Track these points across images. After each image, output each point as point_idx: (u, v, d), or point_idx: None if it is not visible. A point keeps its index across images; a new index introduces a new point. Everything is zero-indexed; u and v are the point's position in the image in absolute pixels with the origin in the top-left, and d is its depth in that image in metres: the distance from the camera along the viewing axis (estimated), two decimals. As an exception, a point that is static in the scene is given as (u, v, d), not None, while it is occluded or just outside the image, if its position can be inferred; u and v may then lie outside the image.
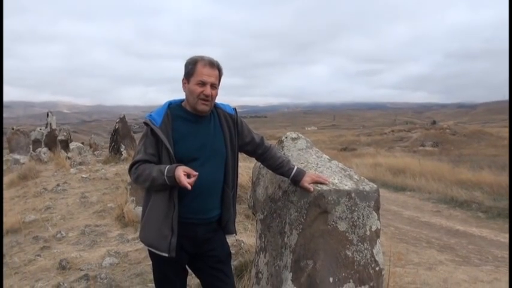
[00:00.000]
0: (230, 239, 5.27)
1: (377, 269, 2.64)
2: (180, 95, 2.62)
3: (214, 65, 2.48)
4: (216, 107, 2.62)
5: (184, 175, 2.25)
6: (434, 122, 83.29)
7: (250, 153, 2.78)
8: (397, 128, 62.71)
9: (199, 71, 2.44)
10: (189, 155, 2.43)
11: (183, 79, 2.52)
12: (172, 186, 2.36)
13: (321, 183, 2.62)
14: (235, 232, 2.78)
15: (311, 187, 2.58)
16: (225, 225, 2.69)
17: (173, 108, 2.53)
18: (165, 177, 2.30)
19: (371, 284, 2.60)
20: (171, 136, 2.44)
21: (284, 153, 3.23)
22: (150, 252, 2.58)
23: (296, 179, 2.65)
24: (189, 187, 2.23)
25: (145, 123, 2.46)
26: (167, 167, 2.32)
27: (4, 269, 4.88)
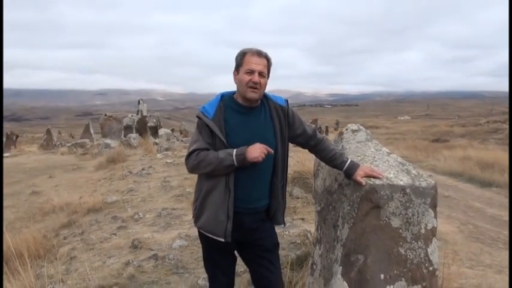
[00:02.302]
0: (298, 229, 5.28)
1: (431, 269, 2.53)
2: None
3: (262, 55, 2.52)
4: (267, 98, 2.65)
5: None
6: (533, 112, 76.05)
7: (303, 145, 2.77)
8: (493, 118, 58.39)
9: (248, 60, 2.49)
10: (239, 146, 2.47)
11: (233, 71, 2.58)
12: (229, 173, 2.46)
13: (375, 177, 2.55)
14: (283, 223, 2.79)
15: (363, 181, 2.52)
16: (273, 215, 2.72)
17: (226, 100, 2.60)
18: (234, 157, 2.39)
19: (424, 284, 2.50)
20: (224, 127, 2.51)
21: (343, 146, 3.18)
22: (202, 237, 2.69)
23: (349, 172, 2.60)
24: (260, 159, 2.39)
25: (198, 117, 2.54)
26: (236, 148, 2.43)
27: (81, 244, 5.30)
